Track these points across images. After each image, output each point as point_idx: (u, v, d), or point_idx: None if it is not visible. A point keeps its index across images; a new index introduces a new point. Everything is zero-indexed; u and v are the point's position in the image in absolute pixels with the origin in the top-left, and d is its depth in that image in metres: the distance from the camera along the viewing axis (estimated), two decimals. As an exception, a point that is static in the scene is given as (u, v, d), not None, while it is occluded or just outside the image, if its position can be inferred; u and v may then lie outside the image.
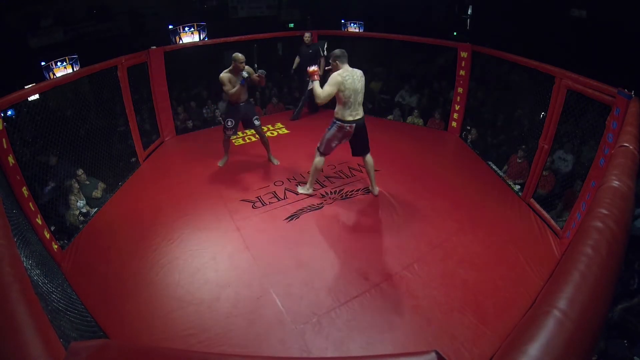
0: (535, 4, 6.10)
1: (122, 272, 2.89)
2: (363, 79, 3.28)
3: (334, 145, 3.47)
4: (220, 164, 4.51)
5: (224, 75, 3.86)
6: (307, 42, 5.64)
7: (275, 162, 4.51)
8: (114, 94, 4.30)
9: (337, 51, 3.26)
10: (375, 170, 3.77)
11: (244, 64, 3.84)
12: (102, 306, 2.58)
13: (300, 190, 3.86)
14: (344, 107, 3.26)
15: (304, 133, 5.35)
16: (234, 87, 3.89)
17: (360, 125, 3.36)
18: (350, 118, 3.30)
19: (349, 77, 3.16)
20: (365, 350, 2.26)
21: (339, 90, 3.17)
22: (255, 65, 8.10)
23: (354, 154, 3.64)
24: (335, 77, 3.16)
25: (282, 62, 7.37)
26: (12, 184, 2.64)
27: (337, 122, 3.35)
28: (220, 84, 3.90)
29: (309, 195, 3.80)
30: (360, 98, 3.28)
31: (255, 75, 3.94)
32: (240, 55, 3.82)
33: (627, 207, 1.17)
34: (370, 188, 3.84)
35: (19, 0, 6.14)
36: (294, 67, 5.89)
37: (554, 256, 3.07)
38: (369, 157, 3.64)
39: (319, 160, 3.59)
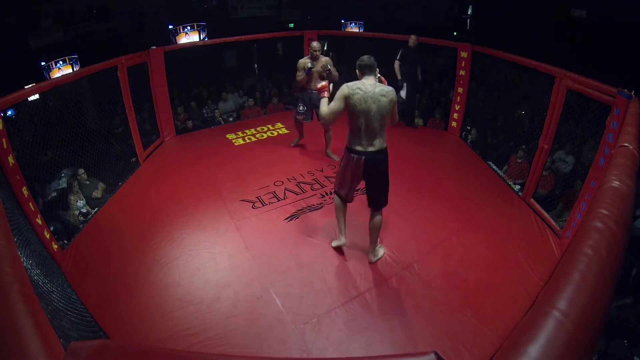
0: (535, 4, 6.10)
1: (122, 272, 2.89)
2: (385, 100, 2.40)
3: (346, 181, 2.69)
4: (293, 143, 4.88)
5: (301, 61, 4.19)
6: (412, 45, 5.18)
7: (334, 157, 4.46)
8: (114, 94, 4.30)
9: (364, 58, 2.50)
10: None
11: (318, 52, 4.08)
12: (102, 306, 2.58)
13: (333, 244, 3.09)
14: (351, 131, 2.53)
15: (305, 133, 5.34)
16: (305, 73, 4.14)
17: (372, 161, 2.53)
18: (359, 148, 2.51)
19: (359, 91, 2.39)
20: (365, 351, 2.26)
21: (345, 107, 2.46)
22: (256, 65, 8.15)
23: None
24: (342, 88, 2.43)
25: (282, 62, 7.37)
26: (12, 184, 2.64)
27: (345, 149, 2.62)
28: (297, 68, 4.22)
29: (341, 245, 3.04)
30: (375, 124, 2.43)
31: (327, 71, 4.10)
32: (315, 43, 4.11)
33: (627, 207, 1.17)
34: (370, 251, 2.95)
35: (19, 0, 6.13)
36: (399, 76, 5.26)
37: (554, 256, 3.07)
38: (377, 216, 2.77)
39: (336, 201, 2.91)
